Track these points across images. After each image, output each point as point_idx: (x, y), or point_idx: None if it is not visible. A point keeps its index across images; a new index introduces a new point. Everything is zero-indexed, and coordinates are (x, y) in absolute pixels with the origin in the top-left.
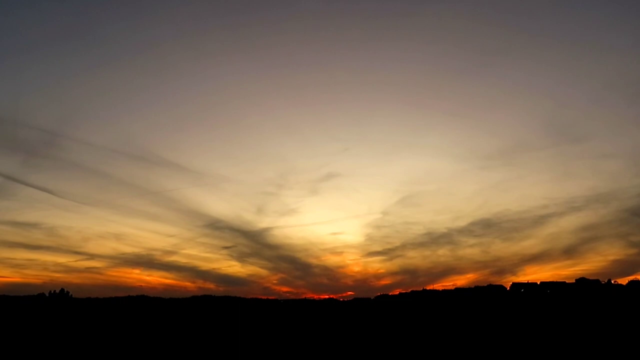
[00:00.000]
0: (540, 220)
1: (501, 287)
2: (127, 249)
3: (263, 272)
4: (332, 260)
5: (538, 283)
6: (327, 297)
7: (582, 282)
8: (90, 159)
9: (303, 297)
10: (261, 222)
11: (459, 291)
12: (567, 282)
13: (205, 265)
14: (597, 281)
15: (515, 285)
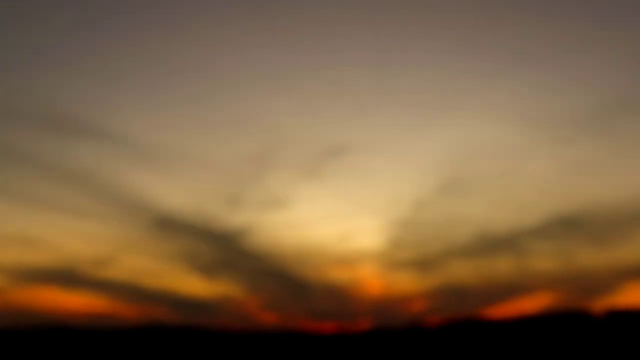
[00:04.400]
0: None
1: (589, 314)
2: (38, 258)
3: (239, 292)
4: (340, 274)
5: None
6: (332, 328)
7: None
8: None
9: (297, 327)
10: (236, 218)
11: (527, 320)
12: None
13: (152, 283)
14: None
15: (609, 311)
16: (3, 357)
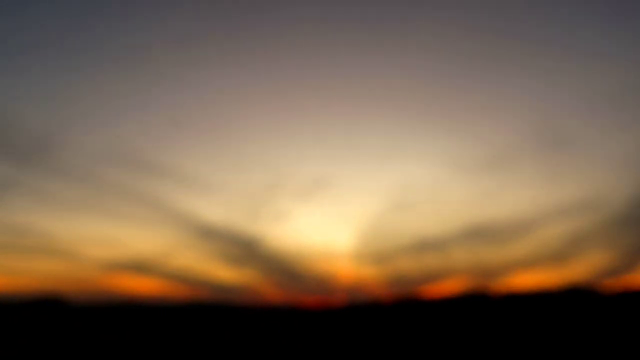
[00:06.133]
0: (528, 227)
1: (490, 294)
2: (119, 254)
3: (256, 278)
4: (324, 266)
5: (526, 290)
6: (319, 302)
7: (570, 289)
8: (82, 163)
9: (295, 304)
10: (253, 229)
11: (449, 297)
12: (555, 289)
13: (198, 272)
14: (585, 288)
15: (504, 292)
16: (95, 326)
